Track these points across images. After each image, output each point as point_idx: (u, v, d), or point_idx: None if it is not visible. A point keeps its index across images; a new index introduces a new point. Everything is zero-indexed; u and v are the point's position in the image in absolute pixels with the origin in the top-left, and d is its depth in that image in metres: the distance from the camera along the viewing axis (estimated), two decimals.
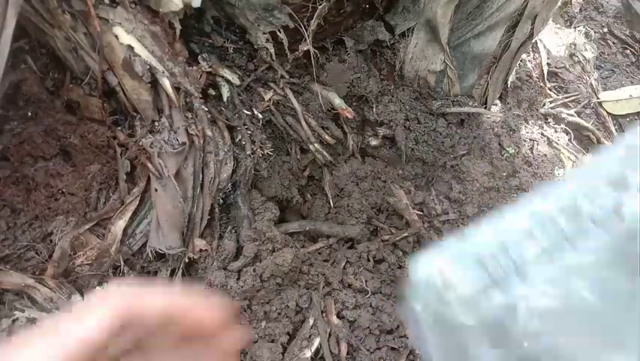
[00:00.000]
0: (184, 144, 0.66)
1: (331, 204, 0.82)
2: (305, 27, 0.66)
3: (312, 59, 0.70)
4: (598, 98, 1.12)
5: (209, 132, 0.67)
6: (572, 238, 0.28)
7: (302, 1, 0.64)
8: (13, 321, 0.61)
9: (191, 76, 0.65)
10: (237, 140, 0.71)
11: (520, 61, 1.05)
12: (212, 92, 0.70)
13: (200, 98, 0.66)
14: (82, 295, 0.65)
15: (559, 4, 0.91)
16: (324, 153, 0.81)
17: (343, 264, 0.73)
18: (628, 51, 1.22)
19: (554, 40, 1.16)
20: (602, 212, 0.28)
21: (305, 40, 0.67)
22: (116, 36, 0.60)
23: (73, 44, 0.63)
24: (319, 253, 0.76)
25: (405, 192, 0.81)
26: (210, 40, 0.68)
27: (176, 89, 0.65)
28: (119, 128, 0.70)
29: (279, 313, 0.66)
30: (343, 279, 0.71)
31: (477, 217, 0.84)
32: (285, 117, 0.77)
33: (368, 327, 0.67)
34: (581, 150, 1.05)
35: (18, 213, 0.67)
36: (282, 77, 0.73)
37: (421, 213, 0.82)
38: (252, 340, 0.60)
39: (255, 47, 0.69)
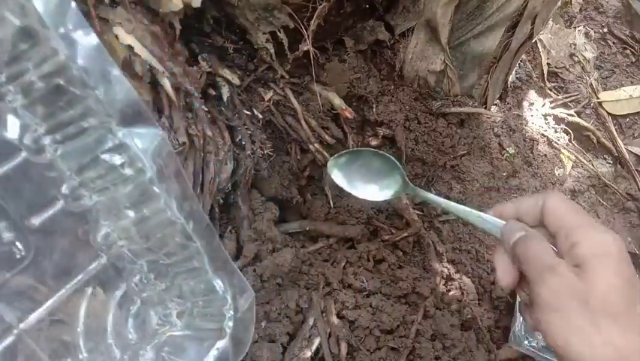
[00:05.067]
0: (184, 144, 0.66)
1: (331, 204, 0.82)
2: (305, 27, 0.66)
3: (312, 59, 0.70)
4: (598, 98, 1.12)
5: (209, 132, 0.67)
6: None
7: (302, 1, 0.64)
8: None
9: (191, 76, 0.65)
10: (237, 140, 0.71)
11: (520, 61, 1.05)
12: (212, 92, 0.70)
13: (200, 98, 0.66)
14: None
15: (559, 4, 0.91)
16: (324, 153, 0.81)
17: (343, 264, 0.73)
18: (628, 51, 1.22)
19: (554, 40, 1.16)
20: None
21: (305, 40, 0.67)
22: (116, 36, 0.60)
23: None
24: (319, 253, 0.76)
25: None
26: (210, 40, 0.68)
27: (176, 89, 0.65)
28: None
29: (279, 314, 0.66)
30: (343, 279, 0.71)
31: None
32: (285, 117, 0.77)
33: (368, 327, 0.67)
34: (581, 150, 1.05)
35: None
36: (282, 77, 0.73)
37: (421, 213, 0.82)
38: None
39: (255, 46, 0.69)
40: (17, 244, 0.32)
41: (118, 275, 0.37)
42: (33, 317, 0.32)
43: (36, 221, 0.33)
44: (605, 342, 0.33)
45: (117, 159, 0.33)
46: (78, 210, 0.34)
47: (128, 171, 0.33)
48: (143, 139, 0.32)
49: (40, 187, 0.32)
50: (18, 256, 0.32)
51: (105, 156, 0.33)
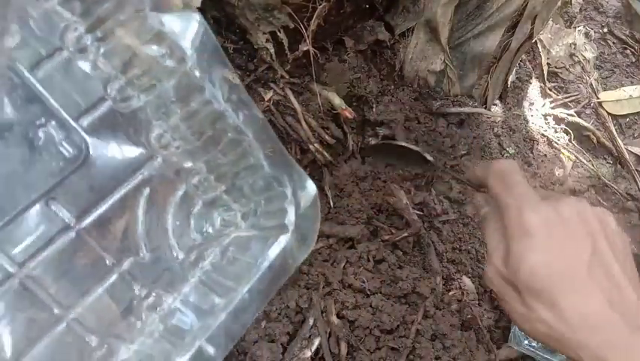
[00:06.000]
0: None
1: (331, 204, 0.82)
2: (305, 27, 0.66)
3: (312, 59, 0.70)
4: (598, 98, 1.12)
5: None
6: None
7: (302, 1, 0.64)
8: None
9: None
10: None
11: (520, 61, 1.05)
12: None
13: None
14: None
15: (559, 4, 0.91)
16: (324, 153, 0.81)
17: (343, 264, 0.73)
18: (628, 51, 1.22)
19: (554, 40, 1.16)
20: None
21: (305, 40, 0.67)
22: None
23: None
24: (319, 253, 0.76)
25: (405, 192, 0.81)
26: None
27: None
28: None
29: (279, 314, 0.66)
30: (343, 279, 0.71)
31: (477, 217, 0.84)
32: (285, 117, 0.77)
33: (368, 327, 0.67)
34: (581, 150, 1.05)
35: None
36: (282, 77, 0.73)
37: (421, 213, 0.82)
38: None
39: (255, 46, 0.69)
40: (68, 144, 0.32)
41: (176, 176, 0.36)
42: (91, 216, 0.33)
43: (84, 122, 0.32)
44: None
45: (157, 50, 0.32)
46: (127, 110, 0.33)
47: (169, 63, 0.32)
48: (179, 24, 0.31)
49: (86, 87, 0.32)
50: (69, 156, 0.32)
51: (145, 48, 0.32)
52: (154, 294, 0.36)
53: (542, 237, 0.37)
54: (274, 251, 0.36)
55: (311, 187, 0.38)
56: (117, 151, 0.33)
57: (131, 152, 0.34)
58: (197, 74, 0.32)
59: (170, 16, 0.30)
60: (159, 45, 0.31)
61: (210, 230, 0.38)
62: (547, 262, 0.36)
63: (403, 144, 0.66)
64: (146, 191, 0.35)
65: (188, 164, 0.36)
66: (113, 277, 0.34)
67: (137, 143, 0.34)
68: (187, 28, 0.31)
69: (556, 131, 1.05)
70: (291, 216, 0.37)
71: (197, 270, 0.37)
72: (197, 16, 0.31)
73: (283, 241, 0.37)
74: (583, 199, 0.40)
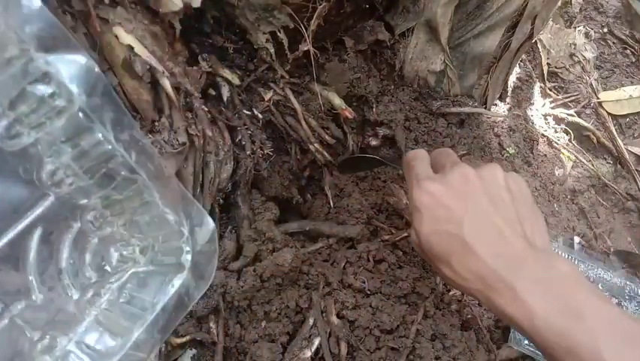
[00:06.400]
0: (184, 144, 0.66)
1: (331, 204, 0.82)
2: (305, 27, 0.66)
3: (312, 59, 0.70)
4: (598, 98, 1.12)
5: (209, 132, 0.67)
6: None
7: (302, 1, 0.64)
8: None
9: (191, 76, 0.65)
10: (237, 140, 0.71)
11: (520, 61, 1.05)
12: (212, 92, 0.70)
13: (200, 98, 0.66)
14: None
15: (559, 4, 0.91)
16: (324, 153, 0.81)
17: (343, 264, 0.73)
18: (628, 51, 1.22)
19: (554, 40, 1.16)
20: None
21: (305, 40, 0.67)
22: (116, 36, 0.60)
23: None
24: (319, 253, 0.76)
25: (405, 192, 0.81)
26: (210, 40, 0.68)
27: (176, 89, 0.65)
28: None
29: (279, 313, 0.66)
30: (343, 279, 0.71)
31: None
32: (285, 117, 0.77)
33: (368, 327, 0.67)
34: (581, 150, 1.05)
35: None
36: (282, 77, 0.73)
37: None
38: None
39: (255, 46, 0.69)
40: None
41: (70, 214, 0.35)
42: None
43: None
44: None
45: (44, 90, 0.31)
46: (16, 148, 0.31)
47: (59, 103, 0.31)
48: (68, 66, 0.30)
49: None
50: None
51: (32, 88, 0.30)
52: (48, 336, 0.34)
53: (428, 210, 0.43)
54: (171, 290, 0.36)
55: (209, 224, 0.39)
56: (6, 192, 0.32)
57: (22, 192, 0.33)
58: (86, 115, 0.31)
59: (56, 56, 0.29)
60: (46, 85, 0.30)
61: (107, 267, 0.37)
62: (435, 231, 0.42)
63: (360, 155, 0.71)
64: (38, 231, 0.34)
65: (83, 201, 0.35)
66: (3, 323, 0.33)
67: (28, 182, 0.33)
68: (74, 69, 0.30)
69: (556, 131, 1.05)
70: (187, 255, 0.37)
71: (93, 309, 0.36)
72: (83, 59, 0.30)
73: (180, 279, 0.37)
74: (465, 164, 0.44)
